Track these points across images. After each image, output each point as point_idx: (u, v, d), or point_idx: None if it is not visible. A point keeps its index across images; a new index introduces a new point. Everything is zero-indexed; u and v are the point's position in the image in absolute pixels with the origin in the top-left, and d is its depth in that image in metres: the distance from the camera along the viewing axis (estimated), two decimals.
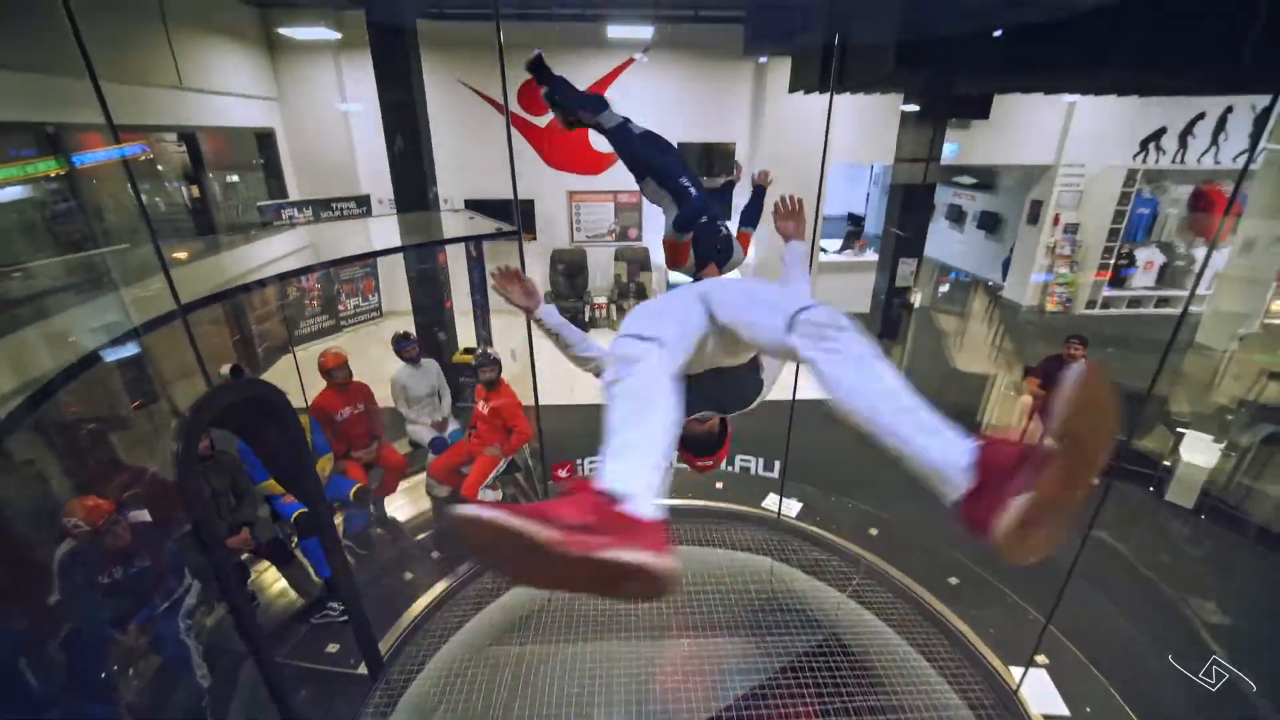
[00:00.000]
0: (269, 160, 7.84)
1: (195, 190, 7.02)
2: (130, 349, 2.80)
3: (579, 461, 4.55)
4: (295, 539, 3.55)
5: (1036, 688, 2.89)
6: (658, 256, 9.15)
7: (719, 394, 1.70)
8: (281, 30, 7.34)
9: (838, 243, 10.05)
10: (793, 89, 6.42)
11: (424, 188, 5.21)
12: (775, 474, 4.46)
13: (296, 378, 4.69)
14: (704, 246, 2.38)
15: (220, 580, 2.15)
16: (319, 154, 8.05)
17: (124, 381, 4.39)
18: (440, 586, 3.60)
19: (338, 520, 3.97)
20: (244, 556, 3.45)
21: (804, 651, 3.20)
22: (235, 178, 7.78)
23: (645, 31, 7.53)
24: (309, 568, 3.53)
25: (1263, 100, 7.66)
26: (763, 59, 8.04)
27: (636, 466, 0.89)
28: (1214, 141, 8.66)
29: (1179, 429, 4.91)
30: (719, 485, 4.49)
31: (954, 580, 3.58)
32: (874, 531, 4.03)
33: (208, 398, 2.09)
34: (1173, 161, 8.78)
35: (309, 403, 4.13)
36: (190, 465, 2.04)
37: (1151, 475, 4.80)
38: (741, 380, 1.74)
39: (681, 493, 4.40)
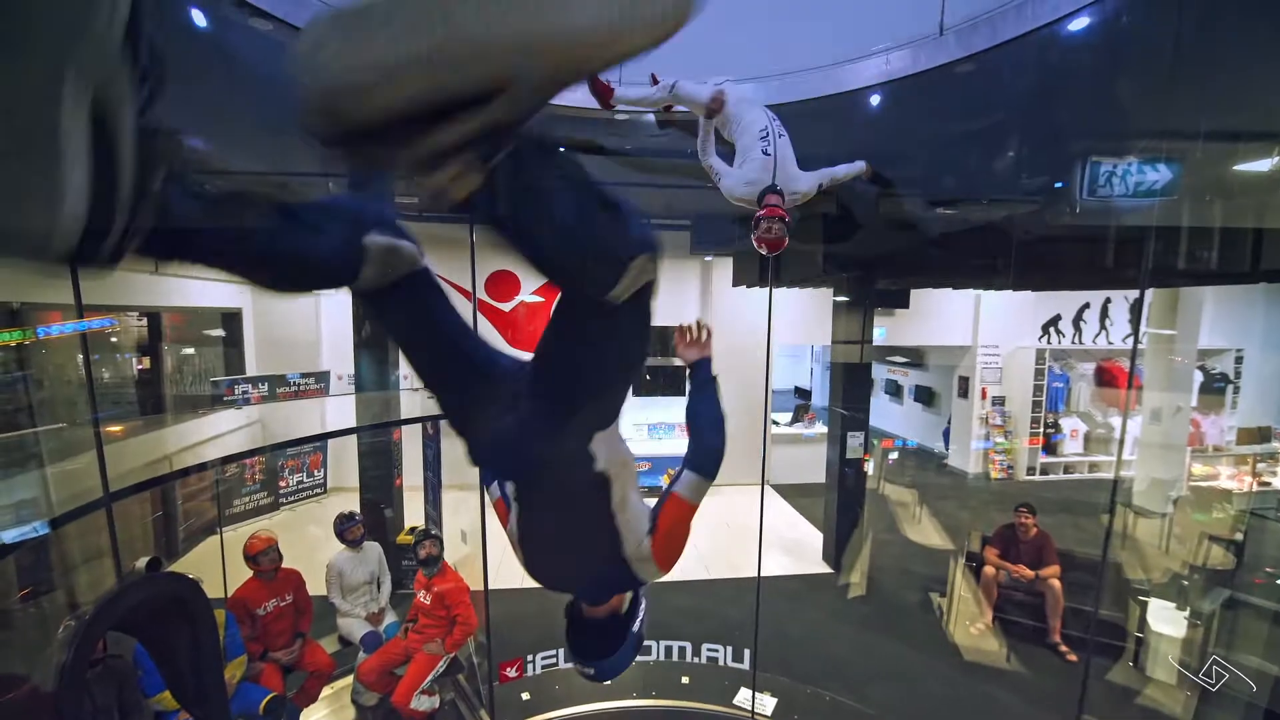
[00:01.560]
0: (231, 335, 7.95)
1: (146, 362, 6.96)
2: (39, 528, 2.56)
3: (530, 657, 4.12)
4: None
5: None
6: None
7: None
8: None
9: (788, 415, 10.49)
10: (735, 284, 7.19)
11: (385, 366, 5.34)
12: (745, 664, 4.12)
13: (219, 565, 4.28)
14: None
15: None
16: (285, 332, 8.23)
17: (18, 566, 3.88)
18: None
19: None
20: None
21: None
22: (191, 350, 7.79)
23: None
24: None
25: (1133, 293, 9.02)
26: (708, 258, 9.09)
27: None
28: (1102, 326, 9.92)
29: (1140, 598, 4.89)
30: (685, 680, 4.09)
31: None
32: None
33: (113, 599, 1.88)
34: (1072, 342, 9.92)
35: (228, 595, 3.72)
36: (75, 681, 1.76)
37: (1122, 647, 4.66)
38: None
39: (643, 691, 3.97)
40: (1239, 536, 6.27)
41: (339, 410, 4.35)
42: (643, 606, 1.43)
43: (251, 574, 3.72)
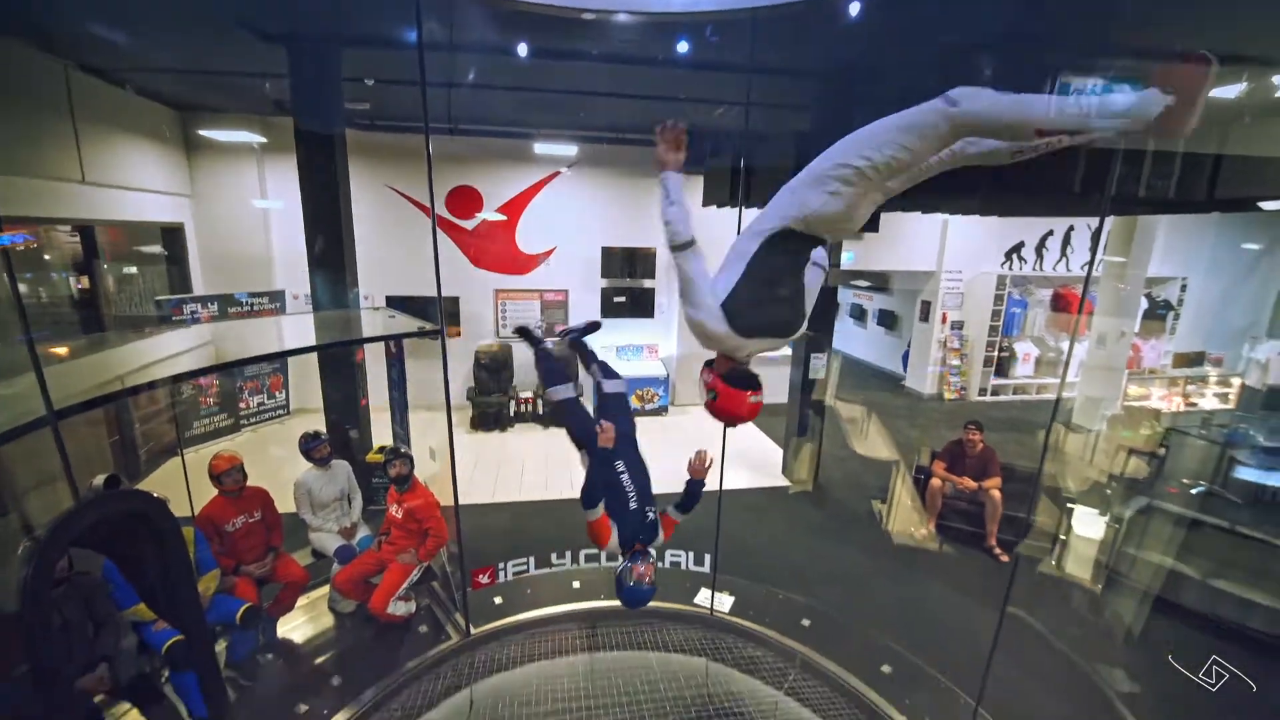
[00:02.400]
0: (174, 253, 7.50)
1: (85, 281, 6.56)
2: None
3: (501, 565, 4.29)
4: (166, 673, 3.05)
5: None
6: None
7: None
8: (202, 132, 7.33)
9: None
10: (705, 204, 7.02)
11: (343, 285, 5.14)
12: (706, 568, 4.39)
13: (184, 485, 4.24)
14: (628, 530, 2.63)
15: None
16: (231, 249, 7.80)
17: None
18: (341, 717, 3.17)
19: (220, 647, 3.47)
20: (98, 699, 2.91)
21: None
22: (133, 269, 7.35)
23: (570, 149, 8.13)
24: (181, 708, 3.01)
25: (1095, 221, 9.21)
26: None
27: None
28: (1063, 253, 10.15)
29: (1069, 504, 5.32)
30: None
31: (887, 668, 3.56)
32: (806, 623, 3.99)
33: (69, 517, 1.85)
34: (1033, 269, 10.17)
35: (194, 513, 3.72)
36: (38, 597, 1.76)
37: (1050, 549, 5.12)
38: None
39: (609, 593, 4.22)
40: (1161, 451, 6.81)
41: (297, 329, 4.20)
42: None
43: (216, 492, 3.71)
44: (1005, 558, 5.21)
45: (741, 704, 3.42)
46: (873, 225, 8.97)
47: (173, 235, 7.45)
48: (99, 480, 2.96)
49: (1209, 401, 8.71)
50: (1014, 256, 10.05)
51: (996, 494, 5.28)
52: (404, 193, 8.27)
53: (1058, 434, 7.29)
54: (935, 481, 5.54)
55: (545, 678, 3.56)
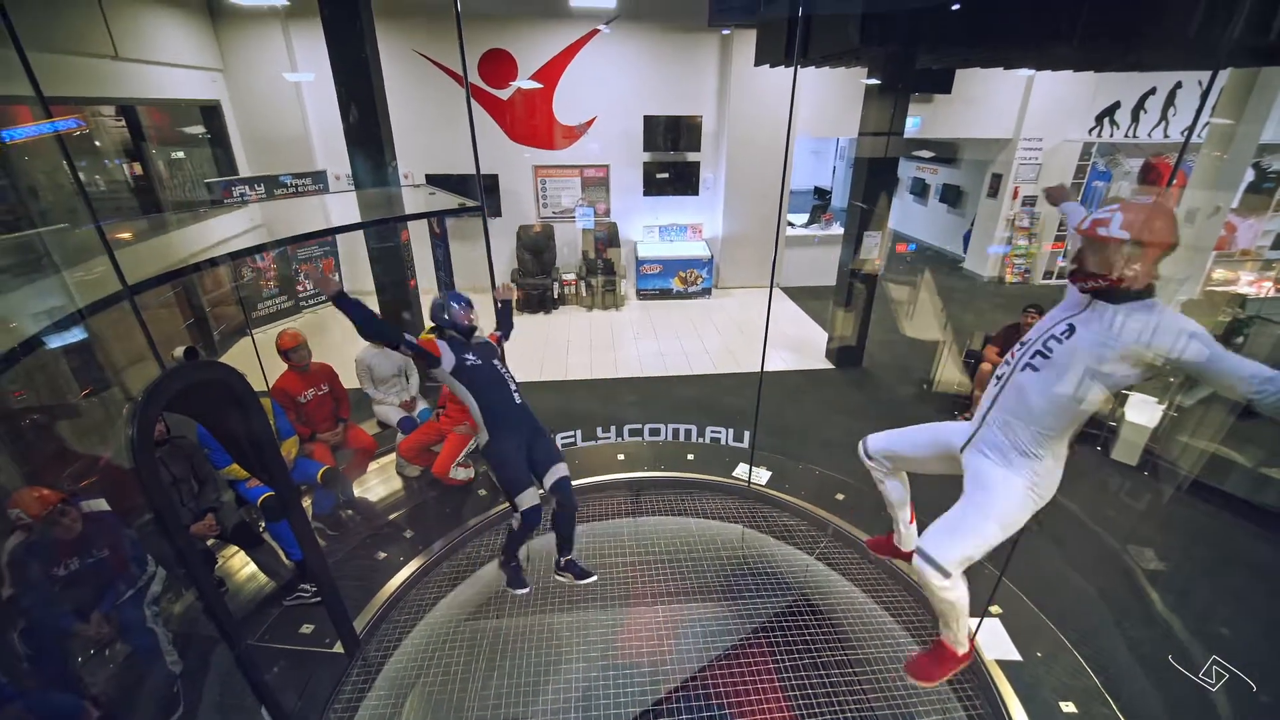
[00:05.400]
0: (216, 134, 7.48)
1: (137, 167, 6.68)
2: (77, 334, 2.69)
3: (551, 437, 4.55)
4: (262, 523, 3.49)
5: (991, 636, 3.06)
6: (627, 231, 9.09)
7: None
8: None
9: (804, 217, 10.14)
10: (758, 62, 6.37)
11: (382, 162, 5.05)
12: (745, 444, 4.55)
13: (255, 361, 4.56)
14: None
15: (187, 567, 2.11)
16: (270, 128, 7.72)
17: (72, 369, 4.21)
18: (414, 564, 3.60)
19: (305, 504, 3.92)
20: (209, 542, 3.38)
21: (775, 613, 3.32)
22: (180, 154, 7.41)
23: (609, 2, 7.37)
24: (279, 551, 3.48)
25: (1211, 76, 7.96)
26: (726, 30, 7.97)
27: None
28: (1164, 116, 8.96)
29: (1124, 390, 5.15)
30: (690, 457, 4.56)
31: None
32: (840, 496, 4.16)
33: (161, 380, 2.02)
34: (1125, 136, 9.07)
35: (270, 386, 4.03)
36: (146, 450, 1.97)
37: (1098, 435, 5.05)
38: None
39: (654, 465, 4.46)
40: (1240, 340, 6.39)
41: (341, 209, 4.22)
42: None
43: (286, 368, 3.98)
44: None
45: (774, 566, 3.68)
46: (945, 85, 8.11)
47: (211, 115, 7.38)
48: (178, 351, 3.20)
49: None
50: (1106, 120, 8.94)
51: None
52: (435, 59, 7.82)
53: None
54: (986, 366, 5.42)
55: (593, 536, 3.89)
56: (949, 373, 6.12)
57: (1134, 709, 2.74)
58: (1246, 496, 4.30)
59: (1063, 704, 2.73)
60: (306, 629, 3.12)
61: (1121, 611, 3.38)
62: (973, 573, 3.46)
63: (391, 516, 4.07)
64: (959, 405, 5.69)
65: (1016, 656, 2.96)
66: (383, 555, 3.68)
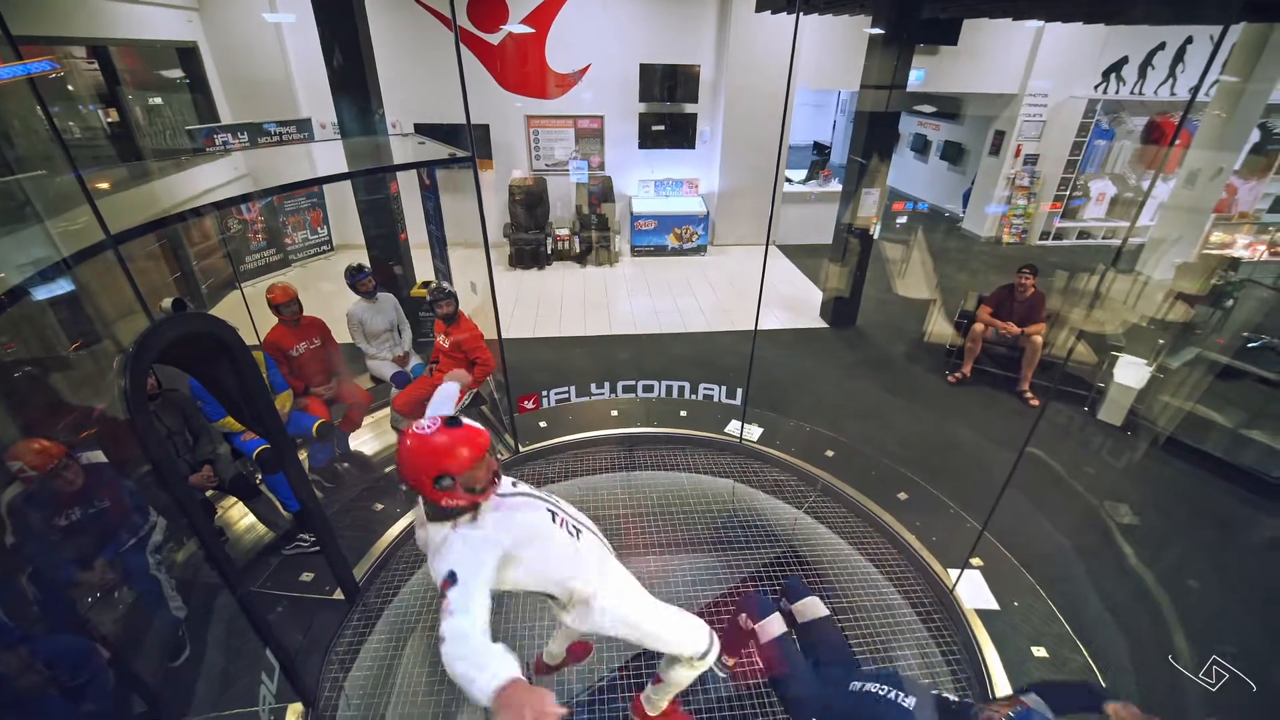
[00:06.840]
0: (195, 79, 7.18)
1: (113, 113, 6.43)
2: (63, 285, 2.65)
3: (544, 393, 4.58)
4: (259, 475, 3.52)
5: (971, 587, 3.17)
6: (621, 186, 8.92)
7: None
8: None
9: (803, 173, 9.96)
10: (760, 8, 6.14)
11: (369, 110, 4.89)
12: (738, 401, 4.60)
13: (246, 314, 4.51)
14: None
15: (187, 515, 2.14)
16: (250, 72, 7.41)
17: (60, 321, 4.16)
18: (411, 515, 3.66)
19: (301, 457, 3.95)
20: (208, 493, 3.42)
21: (764, 563, 3.42)
22: (158, 99, 7.13)
23: None
24: (276, 502, 3.53)
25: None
26: None
27: None
28: (1171, 73, 8.76)
29: (1113, 352, 5.22)
30: (683, 413, 4.61)
31: (903, 495, 3.82)
32: (830, 453, 4.23)
33: (151, 331, 2.00)
34: (1132, 92, 8.88)
35: (261, 340, 4.00)
36: (140, 401, 1.97)
37: (1085, 396, 5.14)
38: None
39: (647, 420, 4.51)
40: (1229, 304, 6.43)
41: (328, 159, 4.10)
42: None
43: (277, 321, 3.95)
44: (1035, 402, 5.27)
45: (763, 519, 3.78)
46: (951, 37, 7.86)
47: (189, 58, 7.07)
48: (166, 303, 3.17)
49: None
50: (1113, 76, 8.74)
51: (1038, 339, 5.19)
52: (421, 2, 7.47)
53: (1111, 280, 6.93)
54: (978, 326, 5.45)
55: (588, 488, 3.97)
56: (941, 327, 6.20)
57: (1103, 654, 2.88)
58: (1224, 456, 4.42)
59: (1035, 649, 2.86)
60: (306, 577, 3.19)
61: (1096, 564, 3.52)
62: (955, 526, 3.57)
63: (387, 470, 4.12)
64: (949, 364, 5.75)
65: (994, 605, 3.08)
66: (379, 507, 3.74)
